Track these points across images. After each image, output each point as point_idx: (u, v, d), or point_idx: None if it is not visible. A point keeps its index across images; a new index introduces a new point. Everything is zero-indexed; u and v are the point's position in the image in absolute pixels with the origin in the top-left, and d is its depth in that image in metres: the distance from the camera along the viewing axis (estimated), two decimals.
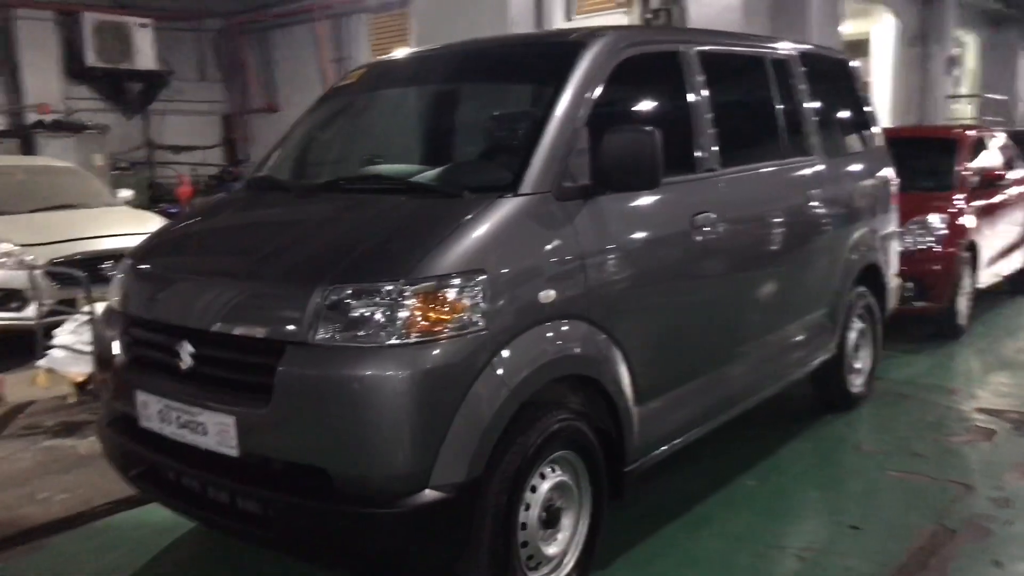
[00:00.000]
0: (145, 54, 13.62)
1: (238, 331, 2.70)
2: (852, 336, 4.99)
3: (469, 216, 2.75)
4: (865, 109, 5.40)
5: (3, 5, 12.51)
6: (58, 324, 5.82)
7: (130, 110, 14.29)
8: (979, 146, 7.74)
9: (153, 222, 7.49)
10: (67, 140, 12.47)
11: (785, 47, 4.57)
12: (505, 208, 2.82)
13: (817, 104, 4.66)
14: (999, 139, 8.44)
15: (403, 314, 2.52)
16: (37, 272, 6.18)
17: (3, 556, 3.58)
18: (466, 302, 2.60)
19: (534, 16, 7.83)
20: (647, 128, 2.97)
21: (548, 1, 8.85)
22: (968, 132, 7.91)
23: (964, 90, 17.88)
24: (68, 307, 6.34)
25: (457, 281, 2.60)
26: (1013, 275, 8.32)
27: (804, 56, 4.69)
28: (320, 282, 2.58)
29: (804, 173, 4.43)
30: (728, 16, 9.08)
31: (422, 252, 2.61)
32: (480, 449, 2.60)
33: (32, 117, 12.57)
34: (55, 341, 5.66)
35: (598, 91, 3.20)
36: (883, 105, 14.50)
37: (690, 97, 3.67)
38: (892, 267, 5.47)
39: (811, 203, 4.38)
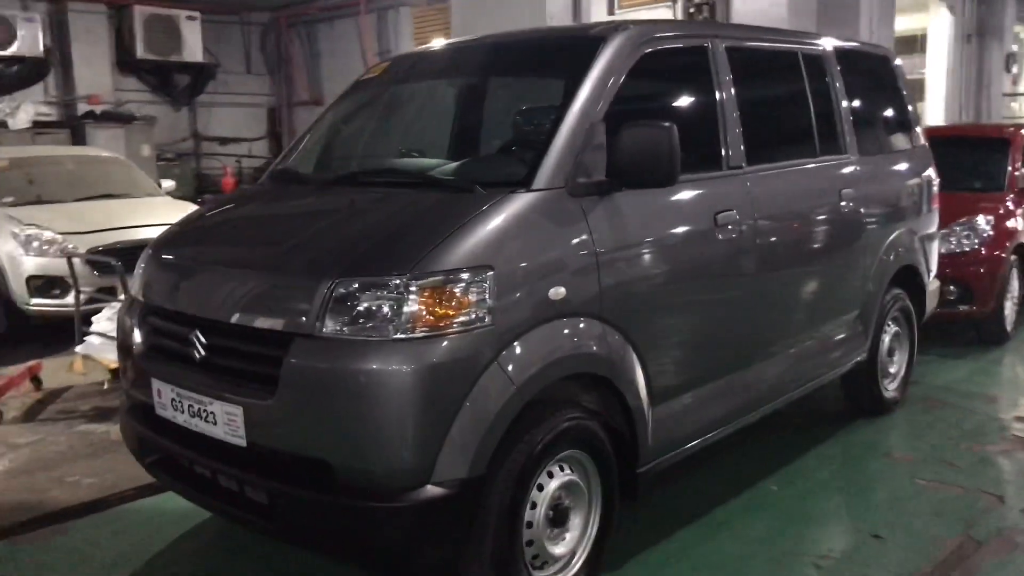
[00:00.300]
0: (193, 47, 13.83)
1: (247, 322, 2.71)
2: (886, 339, 4.86)
3: (478, 211, 2.73)
4: (906, 107, 5.25)
5: None
6: (98, 312, 5.94)
7: (178, 102, 14.53)
8: None
9: None
10: (116, 131, 12.71)
11: (819, 42, 4.46)
12: (516, 203, 2.79)
13: (853, 101, 4.55)
14: None
15: (409, 308, 2.51)
16: (77, 260, 6.30)
17: (28, 537, 3.65)
18: (472, 298, 2.58)
19: (572, 10, 7.77)
20: (664, 123, 2.92)
21: None
22: (1023, 131, 7.66)
23: (1023, 88, 17.35)
24: (108, 295, 6.48)
25: (464, 276, 2.58)
26: None
27: (840, 52, 4.58)
28: (327, 275, 2.58)
29: (836, 172, 4.32)
30: (774, 11, 8.89)
31: (429, 247, 2.60)
32: (484, 446, 2.58)
33: (83, 108, 12.84)
34: (92, 328, 5.77)
35: (617, 86, 3.15)
36: (938, 102, 14.16)
37: (715, 93, 3.60)
38: (931, 269, 5.32)
39: (843, 202, 4.26)
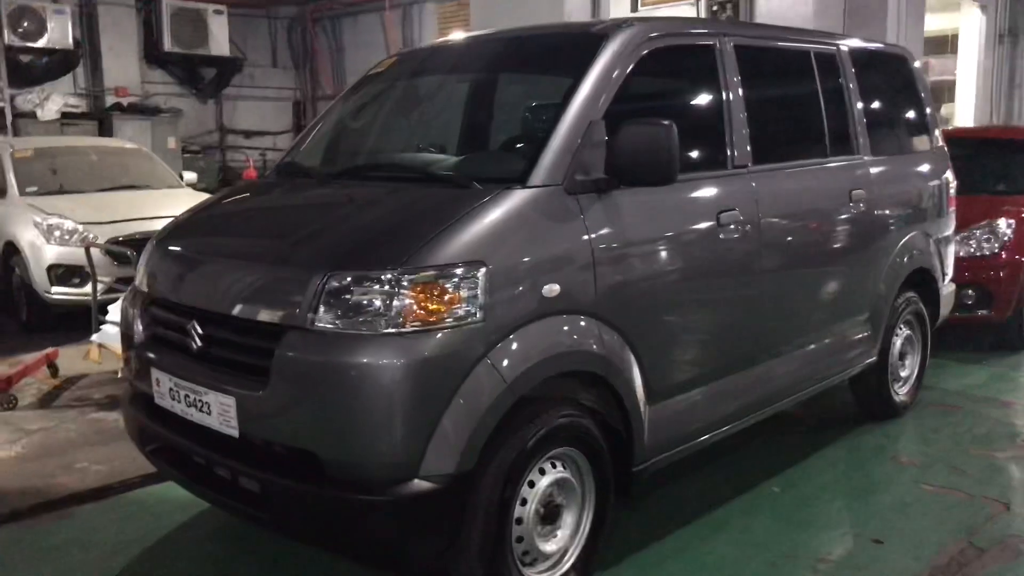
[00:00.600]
0: (219, 40, 13.94)
1: (242, 313, 2.74)
2: (897, 342, 4.80)
3: (473, 207, 2.73)
4: (924, 108, 5.18)
5: None
6: (116, 301, 6.01)
7: (204, 95, 14.67)
8: None
9: None
10: (143, 123, 12.85)
11: (832, 42, 4.41)
12: (511, 200, 2.79)
13: (867, 102, 4.50)
14: None
15: (399, 303, 2.52)
16: (95, 250, 6.38)
17: (32, 522, 3.72)
18: (464, 293, 2.59)
19: (591, 6, 7.74)
20: (663, 121, 2.90)
21: None
22: None
23: None
24: (126, 285, 6.54)
25: (455, 272, 2.58)
26: None
27: (855, 52, 4.53)
28: (320, 268, 2.60)
29: (847, 172, 4.27)
30: (799, 9, 8.79)
31: (421, 242, 2.60)
32: (472, 441, 2.58)
33: (110, 100, 13.00)
34: (108, 317, 5.85)
35: (619, 84, 3.13)
36: (968, 103, 13.94)
37: (721, 92, 3.57)
38: (947, 272, 5.24)
39: (853, 203, 4.22)
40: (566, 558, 2.97)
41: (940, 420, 4.91)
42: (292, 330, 2.59)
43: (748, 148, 3.62)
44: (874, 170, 4.46)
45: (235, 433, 2.73)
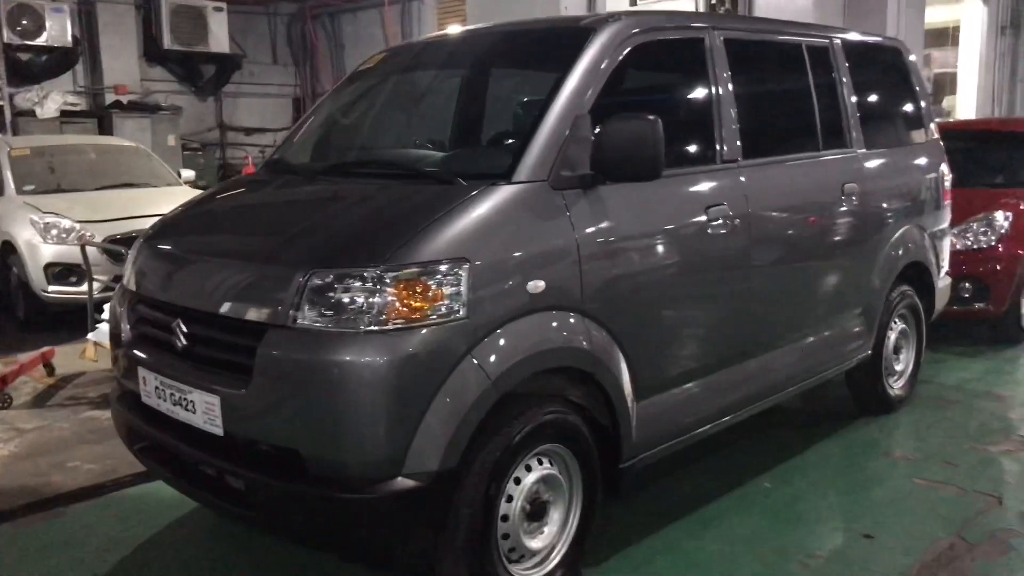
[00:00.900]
0: (219, 37, 13.93)
1: (225, 311, 2.73)
2: (892, 336, 4.78)
3: (457, 203, 2.72)
4: (919, 101, 5.15)
5: None
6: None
7: (204, 92, 14.66)
8: None
9: None
10: (142, 120, 12.86)
11: (825, 35, 4.39)
12: (495, 196, 2.78)
13: (860, 95, 4.47)
14: None
15: (381, 300, 2.51)
16: (91, 248, 6.38)
17: (25, 521, 3.72)
18: (447, 290, 2.58)
19: (587, 0, 7.71)
20: (648, 116, 2.89)
21: None
22: None
23: None
24: None
25: (438, 269, 2.57)
26: None
27: (848, 45, 4.50)
28: (302, 265, 2.60)
29: (839, 166, 4.25)
30: (798, 3, 8.74)
31: (404, 239, 2.60)
32: (456, 438, 2.57)
33: (110, 98, 13.00)
34: (104, 316, 5.85)
35: (606, 78, 3.12)
36: (970, 96, 13.87)
37: (710, 86, 3.55)
38: (942, 266, 5.22)
39: (845, 197, 4.20)
40: (553, 554, 2.97)
41: (935, 414, 4.89)
42: (274, 328, 2.58)
43: (738, 142, 3.60)
44: (867, 164, 4.44)
45: (219, 432, 2.73)
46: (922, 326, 5.02)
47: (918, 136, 5.11)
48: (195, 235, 3.30)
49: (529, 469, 2.86)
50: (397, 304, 2.52)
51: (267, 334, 2.58)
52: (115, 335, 3.35)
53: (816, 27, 4.60)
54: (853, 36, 4.69)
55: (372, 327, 2.50)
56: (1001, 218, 6.30)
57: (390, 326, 2.51)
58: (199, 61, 14.27)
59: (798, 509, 3.73)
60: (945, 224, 5.20)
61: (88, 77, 13.28)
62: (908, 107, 5.11)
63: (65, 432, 4.82)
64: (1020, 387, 5.50)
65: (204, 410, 2.75)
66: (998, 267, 6.19)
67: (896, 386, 4.91)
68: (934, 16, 12.91)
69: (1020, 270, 6.27)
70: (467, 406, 2.58)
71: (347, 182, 3.24)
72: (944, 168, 5.17)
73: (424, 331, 2.53)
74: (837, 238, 4.20)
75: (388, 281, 2.52)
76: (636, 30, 3.27)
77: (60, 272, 7.12)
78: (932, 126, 5.25)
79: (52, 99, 12.31)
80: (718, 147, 3.54)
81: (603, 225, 3.01)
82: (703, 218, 3.37)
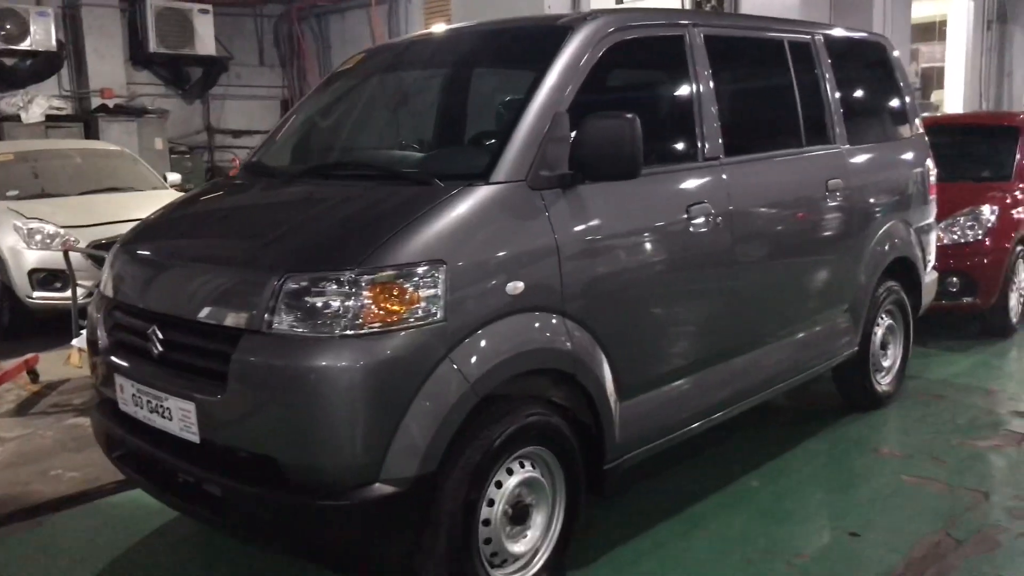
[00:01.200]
0: (205, 40, 13.85)
1: (199, 317, 2.70)
2: (879, 332, 4.77)
3: (433, 205, 2.69)
4: (903, 96, 5.14)
5: None
6: None
7: (190, 95, 14.58)
8: None
9: None
10: (129, 124, 12.77)
11: (807, 31, 4.37)
12: (473, 197, 2.75)
13: (844, 91, 4.45)
14: None
15: (357, 304, 2.48)
16: (75, 253, 6.33)
17: (5, 530, 3.68)
18: (424, 293, 2.55)
19: None
20: (626, 114, 2.86)
21: None
22: None
23: None
24: None
25: (415, 271, 2.54)
26: None
27: (831, 41, 4.49)
28: (277, 269, 2.56)
29: (822, 162, 4.23)
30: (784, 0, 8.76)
31: (379, 241, 2.57)
32: (435, 443, 2.54)
33: (96, 102, 12.91)
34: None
35: (584, 77, 3.09)
36: (957, 90, 13.89)
37: (691, 83, 3.53)
38: (929, 261, 5.21)
39: (829, 193, 4.18)
40: (537, 558, 2.94)
41: (923, 410, 4.88)
42: (249, 333, 2.55)
43: (719, 140, 3.58)
44: (851, 159, 4.42)
45: (196, 439, 2.69)
46: (909, 321, 5.01)
47: (903, 131, 5.10)
48: (170, 240, 3.26)
49: (511, 472, 2.83)
50: (373, 307, 2.49)
51: (242, 339, 2.55)
52: (92, 342, 3.32)
53: (798, 23, 4.58)
54: (836, 32, 4.67)
55: (348, 331, 2.47)
56: (988, 212, 6.30)
57: (366, 330, 2.48)
58: (185, 64, 14.19)
59: (785, 507, 3.71)
60: (931, 219, 5.19)
61: (73, 81, 13.19)
62: (892, 102, 5.10)
63: (48, 440, 4.77)
64: (1009, 381, 5.50)
65: (180, 417, 2.72)
66: (985, 261, 6.19)
67: (884, 382, 4.90)
68: (921, 11, 12.93)
69: (1007, 264, 6.28)
70: (446, 410, 2.55)
71: (324, 184, 3.21)
72: (929, 163, 5.16)
73: (401, 335, 2.51)
74: (821, 235, 4.18)
75: (364, 284, 2.49)
76: (614, 28, 3.24)
77: (44, 278, 7.06)
78: (917, 121, 5.24)
79: (37, 104, 12.23)
80: (699, 145, 3.52)
81: (583, 224, 2.98)
82: (684, 216, 3.35)
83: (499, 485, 2.79)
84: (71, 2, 12.99)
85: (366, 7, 14.27)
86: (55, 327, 6.75)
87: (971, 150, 7.31)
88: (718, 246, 3.50)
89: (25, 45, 12.18)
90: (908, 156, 4.99)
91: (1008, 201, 6.47)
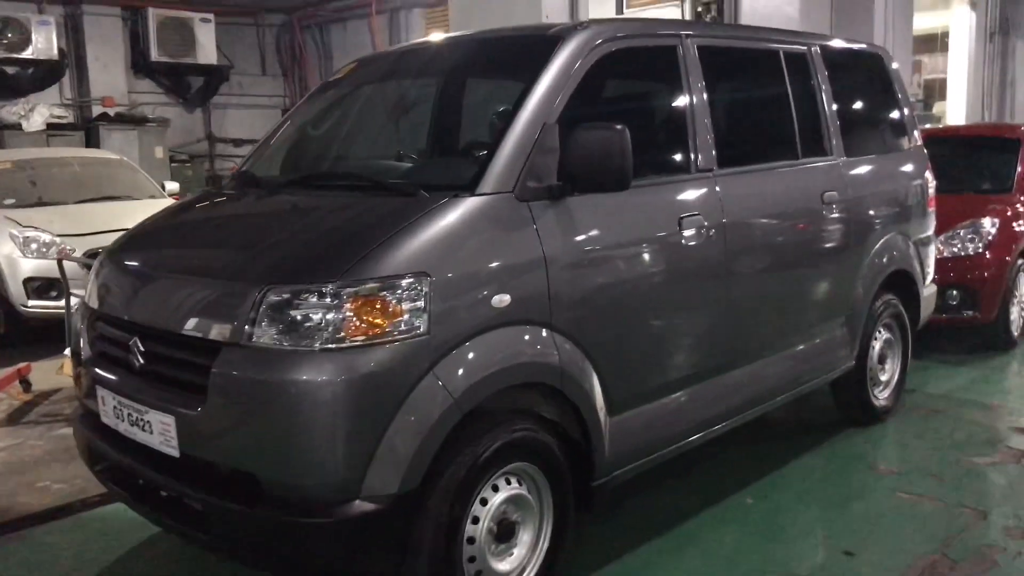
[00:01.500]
0: (207, 49, 13.86)
1: (179, 329, 2.65)
2: (876, 346, 4.71)
3: (418, 216, 2.65)
4: (902, 108, 5.10)
5: (72, 1, 12.90)
6: None
7: (192, 104, 14.58)
8: None
9: None
10: (129, 133, 12.77)
11: (803, 41, 4.33)
12: (459, 209, 2.71)
13: (840, 102, 4.41)
14: None
15: (339, 317, 2.44)
16: (69, 262, 6.29)
17: None
18: (407, 306, 2.50)
19: (569, 7, 7.67)
20: (616, 126, 2.82)
21: None
22: None
23: None
24: None
25: (399, 284, 2.50)
26: None
27: (828, 52, 4.45)
28: (258, 282, 2.52)
29: (819, 174, 4.19)
30: (785, 10, 8.71)
31: (362, 253, 2.52)
32: (417, 459, 2.50)
33: (97, 110, 12.92)
34: None
35: (574, 88, 3.05)
36: (960, 102, 13.85)
37: (684, 94, 3.49)
38: (927, 274, 5.15)
39: (825, 206, 4.13)
40: None
41: (922, 425, 4.82)
42: (229, 346, 2.50)
43: (713, 151, 3.53)
44: (848, 171, 4.38)
45: (175, 453, 2.65)
46: (907, 335, 4.95)
47: (901, 143, 5.05)
48: (153, 251, 3.22)
49: (496, 489, 2.78)
50: (355, 320, 2.45)
51: (222, 352, 2.51)
52: (76, 353, 3.28)
53: (794, 34, 4.54)
54: (833, 43, 4.63)
55: (329, 345, 2.43)
56: (988, 225, 6.25)
57: (348, 343, 2.44)
58: (187, 73, 14.18)
59: (779, 524, 3.65)
60: (930, 231, 5.14)
61: (75, 90, 13.20)
62: (890, 114, 5.05)
63: (37, 450, 4.73)
64: (1008, 396, 5.44)
65: (160, 431, 2.68)
66: (986, 274, 6.13)
67: (881, 396, 4.84)
68: (923, 22, 12.90)
69: (1008, 277, 6.22)
70: (429, 426, 2.51)
71: (311, 195, 3.17)
72: (928, 175, 5.11)
73: (384, 348, 2.46)
74: (817, 247, 4.13)
75: (346, 297, 2.45)
76: (605, 38, 3.20)
77: (40, 287, 7.04)
78: (916, 133, 5.19)
79: (38, 112, 12.24)
80: (692, 156, 3.47)
81: (571, 237, 2.94)
82: (676, 229, 3.30)
83: (484, 502, 2.74)
84: (73, 11, 13.01)
85: (367, 17, 14.27)
86: (50, 336, 6.71)
87: (972, 162, 7.26)
88: (711, 259, 3.46)
89: (27, 54, 12.20)
90: (906, 168, 4.94)
91: (1009, 214, 6.41)
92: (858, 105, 4.77)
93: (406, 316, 2.50)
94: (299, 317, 2.44)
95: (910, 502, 3.83)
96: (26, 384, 5.78)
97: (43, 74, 12.65)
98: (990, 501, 3.85)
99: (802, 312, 4.12)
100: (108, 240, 6.80)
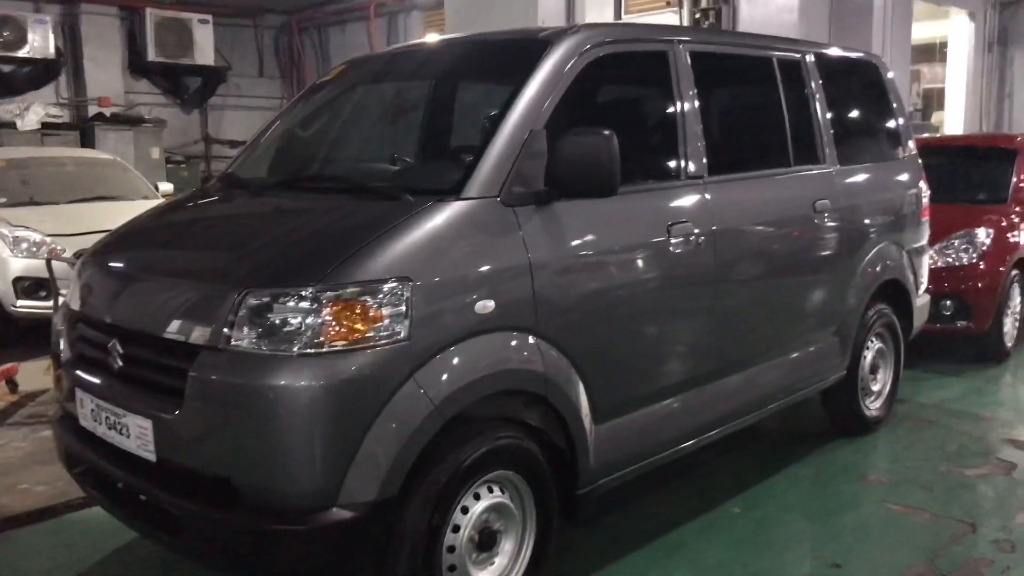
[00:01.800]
0: (205, 50, 13.85)
1: (157, 331, 2.62)
2: (868, 356, 4.68)
3: (401, 220, 2.61)
4: (896, 116, 5.07)
5: (69, 0, 12.88)
6: None
7: (189, 104, 14.57)
8: None
9: None
10: (125, 133, 12.76)
11: (797, 49, 4.30)
12: (443, 213, 2.67)
13: (834, 110, 4.39)
14: None
15: (318, 321, 2.40)
16: (57, 262, 6.26)
17: None
18: (389, 311, 2.47)
19: (565, 12, 7.66)
20: (603, 131, 2.79)
21: None
22: None
23: None
24: None
25: (380, 288, 2.46)
26: None
27: (822, 60, 4.42)
28: (236, 285, 2.49)
29: (811, 183, 4.16)
30: (783, 18, 8.71)
31: (343, 256, 2.49)
32: (396, 467, 2.46)
33: (93, 110, 12.89)
34: None
35: (562, 92, 3.02)
36: (958, 112, 13.85)
37: (674, 100, 3.46)
38: (921, 284, 5.13)
39: (817, 214, 4.10)
40: None
41: (913, 436, 4.79)
42: (207, 350, 2.47)
43: (703, 158, 3.50)
44: (841, 180, 4.35)
45: (152, 457, 2.61)
46: (900, 345, 4.92)
47: (895, 152, 5.03)
48: (135, 252, 3.18)
49: (478, 497, 2.74)
50: (335, 325, 2.41)
51: (199, 356, 2.47)
52: (56, 354, 3.24)
53: (788, 41, 4.51)
54: (827, 51, 4.61)
55: (308, 350, 2.39)
56: (983, 235, 6.22)
57: (327, 348, 2.40)
58: (184, 73, 14.18)
59: (767, 535, 3.61)
60: (923, 241, 5.11)
61: (71, 89, 13.18)
62: (885, 123, 5.03)
63: (20, 451, 4.68)
64: (1001, 408, 5.40)
65: (137, 435, 2.64)
66: (980, 284, 6.10)
67: (873, 406, 4.81)
68: (921, 32, 12.89)
69: (1002, 287, 6.19)
70: (408, 433, 2.47)
71: (295, 198, 3.14)
72: (922, 184, 5.09)
73: (364, 354, 2.43)
74: (808, 256, 4.10)
75: (325, 301, 2.41)
76: (595, 43, 3.17)
77: (29, 287, 6.98)
78: (910, 142, 5.17)
79: (33, 111, 12.22)
80: (682, 163, 3.44)
81: (557, 242, 2.91)
82: (665, 236, 3.27)
83: (465, 511, 2.71)
84: (70, 10, 12.99)
85: (366, 19, 14.26)
86: (40, 336, 6.66)
87: (967, 172, 7.24)
88: (700, 266, 3.42)
89: (23, 52, 12.19)
90: (900, 177, 4.92)
91: (1003, 224, 6.39)
92: (852, 113, 4.75)
93: (387, 321, 2.46)
94: (278, 321, 2.41)
95: (899, 513, 3.79)
96: (12, 385, 5.73)
97: (39, 73, 12.64)
98: (980, 513, 3.81)
99: (792, 321, 4.09)
100: (95, 241, 6.90)
